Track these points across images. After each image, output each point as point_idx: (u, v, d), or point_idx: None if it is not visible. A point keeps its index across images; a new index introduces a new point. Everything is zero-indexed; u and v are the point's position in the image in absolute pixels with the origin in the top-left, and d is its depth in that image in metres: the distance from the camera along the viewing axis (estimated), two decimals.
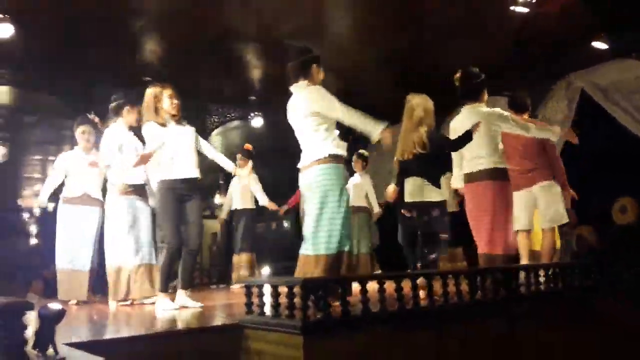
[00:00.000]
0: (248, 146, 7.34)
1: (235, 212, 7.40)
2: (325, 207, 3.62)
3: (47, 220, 4.88)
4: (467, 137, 4.25)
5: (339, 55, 6.99)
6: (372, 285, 3.14)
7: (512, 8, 5.78)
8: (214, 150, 4.82)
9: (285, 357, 2.78)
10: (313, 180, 3.68)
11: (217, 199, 11.84)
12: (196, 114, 8.24)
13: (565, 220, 5.02)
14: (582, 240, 7.41)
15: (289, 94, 3.92)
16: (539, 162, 5.01)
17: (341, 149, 3.75)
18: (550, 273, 4.16)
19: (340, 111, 3.74)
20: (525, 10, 5.79)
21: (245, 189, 7.29)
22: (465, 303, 3.48)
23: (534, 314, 3.85)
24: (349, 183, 7.60)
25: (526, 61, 7.11)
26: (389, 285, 3.17)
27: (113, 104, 5.11)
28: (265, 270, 8.69)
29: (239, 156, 7.21)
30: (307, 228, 3.67)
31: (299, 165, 3.84)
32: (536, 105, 7.66)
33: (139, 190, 5.03)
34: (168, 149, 4.39)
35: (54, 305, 2.12)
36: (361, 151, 7.59)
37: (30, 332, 2.09)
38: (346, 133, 4.26)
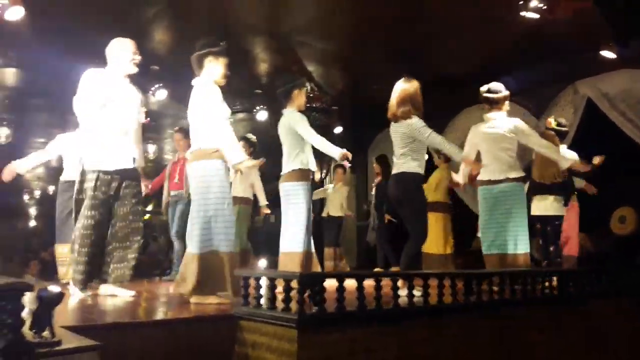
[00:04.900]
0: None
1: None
2: (513, 215, 4.52)
3: (46, 202, 4.73)
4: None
5: (347, 49, 6.99)
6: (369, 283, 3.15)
7: (522, 13, 5.76)
8: None
9: (279, 350, 2.80)
10: (505, 193, 4.55)
11: None
12: None
13: None
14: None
15: None
16: None
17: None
18: (545, 278, 4.20)
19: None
20: (536, 16, 5.77)
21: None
22: (460, 303, 3.50)
23: (529, 317, 3.87)
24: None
25: (533, 64, 7.08)
26: (386, 283, 3.19)
27: (281, 89, 4.82)
28: (262, 262, 8.71)
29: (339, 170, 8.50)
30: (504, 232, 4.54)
31: (492, 177, 4.60)
32: (541, 111, 7.65)
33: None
34: None
35: (53, 288, 2.13)
36: (249, 136, 6.96)
37: (27, 313, 2.10)
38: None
